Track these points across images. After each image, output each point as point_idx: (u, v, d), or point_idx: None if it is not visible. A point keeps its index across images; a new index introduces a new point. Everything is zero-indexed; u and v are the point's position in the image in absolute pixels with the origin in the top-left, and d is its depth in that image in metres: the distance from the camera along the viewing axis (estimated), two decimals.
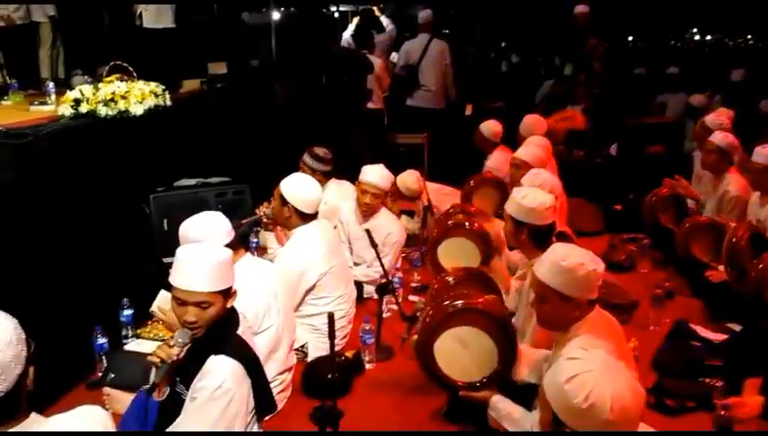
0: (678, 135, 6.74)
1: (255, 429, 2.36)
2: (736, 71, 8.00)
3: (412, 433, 2.96)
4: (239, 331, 2.32)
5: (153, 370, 2.27)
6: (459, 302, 2.65)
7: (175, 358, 2.22)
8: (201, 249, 2.28)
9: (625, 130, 6.71)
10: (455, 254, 3.64)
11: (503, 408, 2.53)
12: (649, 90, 8.29)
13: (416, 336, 2.74)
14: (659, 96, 7.94)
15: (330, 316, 2.29)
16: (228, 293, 2.28)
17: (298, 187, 3.50)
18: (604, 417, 1.62)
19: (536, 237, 3.07)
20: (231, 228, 2.87)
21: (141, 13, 5.37)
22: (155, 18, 5.39)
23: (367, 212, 4.25)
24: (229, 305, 2.30)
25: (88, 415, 1.70)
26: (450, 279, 2.93)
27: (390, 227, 4.26)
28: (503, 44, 9.48)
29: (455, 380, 2.62)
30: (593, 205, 5.52)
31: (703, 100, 7.09)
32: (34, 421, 1.61)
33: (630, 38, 10.88)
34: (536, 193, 3.10)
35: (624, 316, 3.75)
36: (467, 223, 3.66)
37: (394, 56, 8.53)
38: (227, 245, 2.78)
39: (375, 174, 4.21)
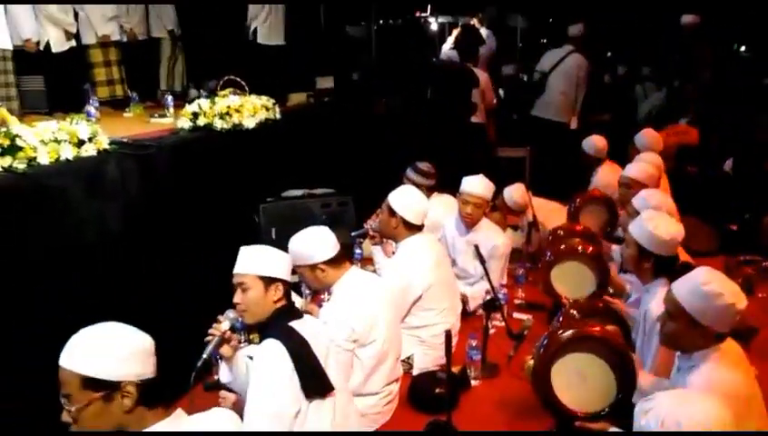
0: None
1: (312, 409, 2.40)
2: None
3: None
4: (294, 323, 2.42)
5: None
6: (575, 331, 2.60)
7: (223, 331, 2.52)
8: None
9: (741, 145, 6.36)
10: (569, 278, 3.54)
11: None
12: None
13: (531, 362, 2.69)
14: None
15: (448, 333, 2.28)
16: (269, 283, 2.45)
17: (406, 198, 3.56)
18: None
19: (660, 267, 2.97)
20: (336, 242, 2.95)
21: (255, 29, 5.57)
22: (268, 35, 5.59)
23: (469, 222, 4.21)
24: (274, 298, 2.46)
25: (222, 415, 1.87)
26: (575, 312, 2.88)
27: (495, 239, 4.20)
28: (608, 54, 9.19)
29: (573, 409, 2.55)
30: (707, 225, 5.27)
31: None
32: (179, 417, 1.77)
33: (743, 48, 10.29)
34: (668, 224, 2.99)
35: (741, 343, 3.55)
36: (581, 247, 3.56)
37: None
38: (333, 259, 2.95)
39: (476, 184, 4.17)
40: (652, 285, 2.99)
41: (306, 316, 2.55)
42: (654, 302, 2.88)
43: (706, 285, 2.28)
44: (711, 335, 2.31)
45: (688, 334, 2.33)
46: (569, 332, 2.57)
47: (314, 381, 2.38)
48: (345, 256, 3.06)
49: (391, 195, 3.58)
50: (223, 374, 2.66)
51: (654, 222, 2.97)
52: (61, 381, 1.69)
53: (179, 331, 3.52)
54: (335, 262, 2.96)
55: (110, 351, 1.67)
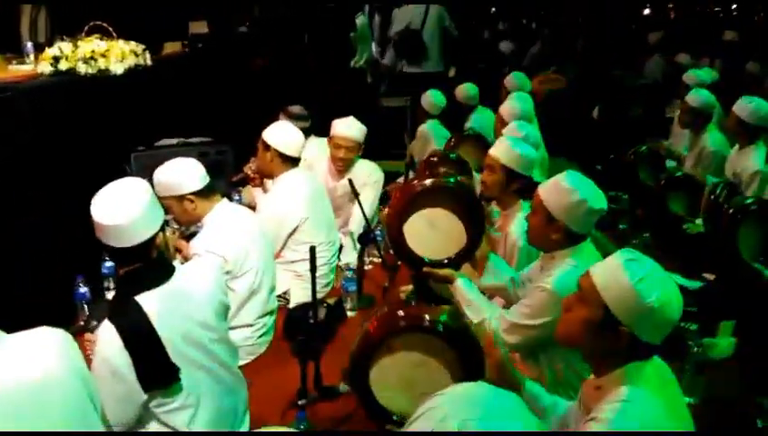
0: (658, 97, 6.79)
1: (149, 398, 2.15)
2: (728, 32, 8.00)
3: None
4: (139, 295, 2.10)
5: None
6: (428, 181, 2.74)
7: None
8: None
9: (606, 92, 6.74)
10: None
11: (465, 292, 2.59)
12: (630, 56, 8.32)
13: (386, 211, 2.81)
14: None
15: (312, 249, 2.31)
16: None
17: (279, 131, 3.55)
18: (667, 317, 1.69)
19: (525, 189, 3.05)
20: (205, 173, 2.89)
21: None
22: None
23: (342, 167, 4.13)
24: (121, 267, 2.19)
25: (50, 333, 1.72)
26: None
27: (367, 168, 4.23)
28: (493, 10, 9.43)
29: (421, 256, 2.72)
30: (574, 164, 5.57)
31: (688, 59, 7.10)
32: None
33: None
34: (520, 142, 3.09)
35: None
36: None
37: None
38: (202, 190, 2.87)
39: (347, 127, 4.09)
40: (512, 210, 3.10)
41: (177, 271, 2.23)
42: (513, 223, 3.02)
43: (563, 181, 2.40)
44: (565, 233, 2.41)
45: (544, 228, 2.44)
46: (425, 183, 2.73)
47: (153, 376, 2.10)
48: (215, 189, 2.99)
49: (265, 131, 3.55)
50: None
51: (518, 145, 3.04)
52: None
53: (39, 282, 3.40)
54: (205, 193, 2.89)
55: None
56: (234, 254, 2.91)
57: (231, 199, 4.33)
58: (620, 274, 1.71)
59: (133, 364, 2.04)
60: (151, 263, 2.17)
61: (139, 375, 2.06)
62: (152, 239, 2.15)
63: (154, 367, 2.10)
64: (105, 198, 2.11)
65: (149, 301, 2.10)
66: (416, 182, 2.73)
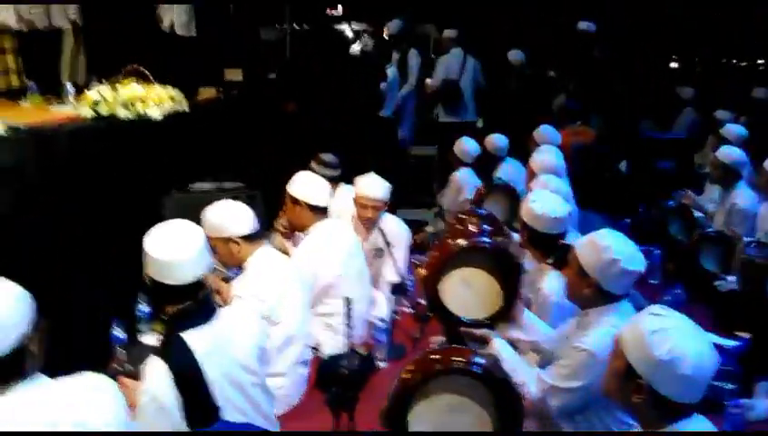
0: (687, 150, 6.79)
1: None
2: (757, 89, 8.01)
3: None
4: (186, 333, 2.18)
5: None
6: (466, 242, 2.67)
7: None
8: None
9: (635, 145, 6.75)
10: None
11: (502, 353, 2.52)
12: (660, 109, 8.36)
13: (423, 271, 2.78)
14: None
15: (348, 301, 2.31)
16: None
17: (303, 183, 3.52)
18: (680, 372, 1.70)
19: (537, 243, 3.08)
20: (254, 219, 2.94)
21: (172, 20, 5.46)
22: (187, 27, 5.49)
23: (369, 226, 4.04)
24: (169, 305, 2.25)
25: (95, 380, 1.74)
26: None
27: (396, 226, 4.15)
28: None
29: (458, 316, 2.65)
30: (602, 217, 5.53)
31: (728, 115, 7.07)
32: (40, 381, 1.66)
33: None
34: (547, 200, 3.08)
35: None
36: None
37: None
38: (248, 235, 2.92)
39: (372, 187, 3.98)
40: (542, 265, 3.08)
41: (220, 312, 2.31)
42: (545, 279, 3.01)
43: (599, 237, 2.38)
44: (597, 290, 2.38)
45: (576, 283, 2.43)
46: (461, 243, 2.65)
47: (197, 414, 2.15)
48: (261, 235, 3.04)
49: (289, 185, 3.52)
50: None
51: (533, 197, 3.10)
52: None
53: (78, 321, 3.43)
54: (251, 238, 2.94)
55: None
56: (273, 301, 2.94)
57: None
58: (638, 326, 1.78)
59: (181, 404, 2.11)
60: (199, 303, 2.25)
61: (184, 412, 2.12)
62: (202, 279, 2.24)
63: (199, 405, 2.16)
64: (162, 236, 2.20)
65: (196, 340, 2.18)
66: (453, 241, 2.69)
